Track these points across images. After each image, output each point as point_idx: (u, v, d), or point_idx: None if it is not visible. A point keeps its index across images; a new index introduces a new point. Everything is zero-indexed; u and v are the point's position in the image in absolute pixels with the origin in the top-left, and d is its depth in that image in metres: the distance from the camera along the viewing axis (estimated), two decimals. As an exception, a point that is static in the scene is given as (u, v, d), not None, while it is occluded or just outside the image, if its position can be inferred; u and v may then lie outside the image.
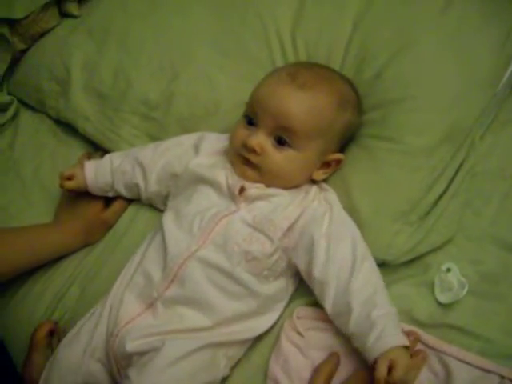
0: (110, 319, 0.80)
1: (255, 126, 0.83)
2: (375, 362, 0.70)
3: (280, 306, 0.84)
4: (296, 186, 0.86)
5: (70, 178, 0.94)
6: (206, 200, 0.84)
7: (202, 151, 0.90)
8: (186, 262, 0.79)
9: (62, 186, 0.94)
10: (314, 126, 0.81)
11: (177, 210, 0.86)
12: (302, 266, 0.81)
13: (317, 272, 0.78)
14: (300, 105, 0.80)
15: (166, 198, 0.93)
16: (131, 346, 0.75)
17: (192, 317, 0.78)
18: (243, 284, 0.79)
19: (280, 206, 0.82)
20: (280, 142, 0.81)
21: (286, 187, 0.84)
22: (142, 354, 0.75)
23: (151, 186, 0.93)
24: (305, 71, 0.84)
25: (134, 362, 0.75)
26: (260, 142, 0.81)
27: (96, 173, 0.94)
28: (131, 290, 0.81)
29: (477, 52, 0.86)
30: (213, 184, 0.85)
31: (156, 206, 0.97)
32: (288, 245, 0.81)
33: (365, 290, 0.75)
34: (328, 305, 0.77)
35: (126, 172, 0.94)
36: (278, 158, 0.81)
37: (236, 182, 0.83)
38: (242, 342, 0.81)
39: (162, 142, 0.95)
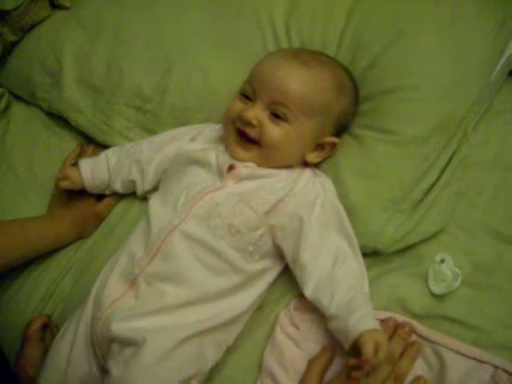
0: (95, 304, 0.80)
1: (252, 100, 0.83)
2: (355, 342, 0.71)
3: (263, 284, 0.83)
4: (288, 167, 0.86)
5: (64, 179, 0.94)
6: (194, 178, 0.84)
7: (197, 140, 0.91)
8: (168, 236, 0.78)
9: (55, 187, 0.95)
10: (311, 103, 0.81)
11: (163, 190, 0.86)
12: (287, 249, 0.81)
13: (305, 255, 0.78)
14: (300, 81, 0.81)
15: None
16: (116, 326, 0.74)
17: (173, 293, 0.77)
18: (226, 259, 0.79)
19: (269, 185, 0.82)
20: (276, 116, 0.81)
21: (278, 165, 0.85)
22: (123, 342, 0.74)
23: (149, 182, 0.93)
24: (308, 53, 0.86)
25: (115, 353, 0.74)
26: (256, 114, 0.81)
27: (93, 172, 0.94)
28: (115, 272, 0.81)
29: (470, 41, 0.86)
30: (203, 164, 0.85)
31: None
32: (275, 223, 0.81)
33: (346, 278, 0.77)
34: (309, 288, 0.78)
35: (123, 170, 0.94)
36: (276, 130, 0.82)
37: (226, 160, 0.83)
38: (226, 325, 0.79)
39: (157, 136, 0.95)
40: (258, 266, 0.82)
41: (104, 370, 0.78)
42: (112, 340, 0.75)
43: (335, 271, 0.77)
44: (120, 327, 0.74)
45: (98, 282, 0.82)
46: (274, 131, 0.81)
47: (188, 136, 0.93)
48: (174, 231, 0.79)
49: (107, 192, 0.97)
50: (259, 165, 0.84)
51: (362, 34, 0.90)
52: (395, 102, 0.85)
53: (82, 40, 1.03)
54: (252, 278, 0.82)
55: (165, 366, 0.72)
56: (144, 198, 0.97)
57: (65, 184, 0.94)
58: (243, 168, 0.83)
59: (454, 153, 0.86)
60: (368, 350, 0.69)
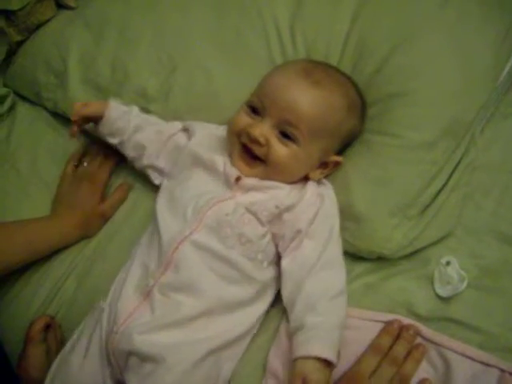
0: (110, 317, 0.78)
1: (260, 115, 0.81)
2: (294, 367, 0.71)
3: (271, 293, 0.83)
4: (292, 182, 0.85)
5: (84, 105, 0.90)
6: (201, 186, 0.83)
7: (198, 132, 0.89)
8: (179, 246, 0.78)
9: (73, 115, 0.89)
10: (322, 126, 0.80)
11: (171, 195, 0.85)
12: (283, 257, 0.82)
13: (284, 262, 0.79)
14: (312, 102, 0.79)
15: (161, 173, 0.93)
16: (137, 340, 0.73)
17: (189, 303, 0.76)
18: (238, 268, 0.78)
19: (275, 196, 0.81)
20: (285, 136, 0.80)
21: (282, 182, 0.84)
22: (142, 357, 0.73)
23: (159, 156, 0.92)
24: (320, 70, 0.83)
25: (133, 367, 0.74)
26: (264, 132, 0.79)
27: (118, 115, 0.91)
28: (129, 284, 0.80)
29: (477, 45, 0.85)
30: (210, 168, 0.84)
31: (149, 177, 0.95)
32: (277, 232, 0.81)
33: (312, 293, 0.76)
34: (284, 295, 0.79)
35: (142, 131, 0.91)
36: (283, 151, 0.80)
37: (233, 172, 0.82)
38: (240, 339, 0.80)
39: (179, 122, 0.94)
40: (268, 273, 0.82)
41: (119, 383, 0.78)
42: (131, 353, 0.74)
43: (305, 283, 0.76)
44: (141, 340, 0.73)
45: (112, 293, 0.81)
46: (281, 152, 0.80)
47: (195, 128, 0.91)
48: (184, 241, 0.78)
49: (115, 141, 0.93)
50: (262, 179, 0.83)
51: (367, 37, 0.89)
52: (402, 107, 0.84)
53: (88, 40, 1.03)
54: (265, 287, 0.82)
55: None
56: (149, 197, 0.96)
57: (86, 111, 0.89)
58: (249, 180, 0.82)
59: (461, 157, 0.85)
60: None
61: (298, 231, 0.80)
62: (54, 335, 0.89)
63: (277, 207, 0.80)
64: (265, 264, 0.81)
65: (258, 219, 0.79)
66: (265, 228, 0.80)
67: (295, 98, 0.78)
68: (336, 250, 0.81)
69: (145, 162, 0.93)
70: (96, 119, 0.91)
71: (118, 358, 0.76)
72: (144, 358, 0.73)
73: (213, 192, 0.82)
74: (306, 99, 0.79)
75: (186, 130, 0.93)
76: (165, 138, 0.92)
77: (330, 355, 0.70)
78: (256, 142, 0.79)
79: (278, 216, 0.80)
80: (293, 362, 0.72)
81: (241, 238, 0.78)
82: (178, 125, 0.94)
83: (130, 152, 0.94)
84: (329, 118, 0.80)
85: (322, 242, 0.79)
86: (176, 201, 0.83)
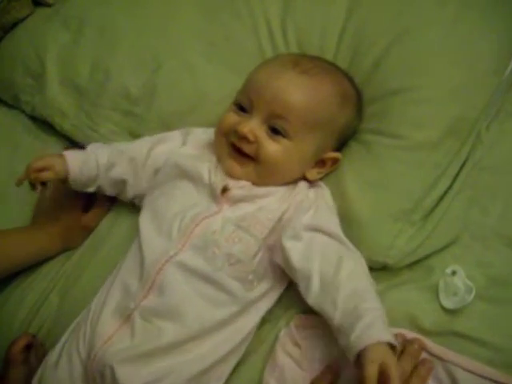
0: (89, 340, 0.74)
1: (248, 113, 0.79)
2: (359, 358, 0.64)
3: (262, 309, 0.79)
4: (286, 184, 0.81)
5: (43, 170, 0.84)
6: (186, 199, 0.80)
7: (188, 143, 0.87)
8: (163, 268, 0.74)
9: (33, 179, 0.83)
10: (313, 116, 0.77)
11: (154, 210, 0.81)
12: (281, 261, 0.76)
13: (295, 262, 0.73)
14: (300, 91, 0.77)
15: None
16: (118, 370, 0.68)
17: (171, 330, 0.72)
18: (227, 290, 0.74)
19: (267, 207, 0.78)
20: (274, 131, 0.77)
21: (276, 183, 0.80)
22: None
23: (142, 183, 0.88)
24: (308, 61, 0.82)
25: None
26: (252, 128, 0.77)
27: (81, 166, 0.85)
28: (108, 305, 0.75)
29: (480, 39, 0.83)
30: (194, 178, 0.80)
31: (139, 205, 0.90)
32: (273, 243, 0.77)
33: (351, 282, 0.71)
34: (311, 295, 0.72)
35: (115, 167, 0.87)
36: (274, 147, 0.77)
37: (219, 181, 0.78)
38: (226, 356, 0.75)
39: (148, 138, 0.90)
40: (257, 291, 0.77)
41: None
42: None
43: (339, 274, 0.71)
44: (122, 373, 0.68)
45: (92, 313, 0.77)
46: (272, 148, 0.77)
47: (179, 139, 0.88)
48: (169, 262, 0.74)
49: (91, 189, 0.88)
50: (254, 183, 0.79)
51: (364, 30, 0.87)
52: (402, 105, 0.81)
53: (66, 39, 1.00)
54: (252, 303, 0.77)
55: None
56: (132, 208, 0.92)
57: (47, 175, 0.82)
58: (238, 190, 0.78)
59: (467, 157, 0.82)
60: (369, 372, 0.61)
61: (292, 229, 0.75)
62: (36, 354, 0.85)
63: (269, 219, 0.76)
64: (255, 283, 0.77)
65: (252, 235, 0.76)
66: (259, 244, 0.76)
67: (282, 88, 0.77)
68: (346, 239, 0.77)
69: (130, 194, 0.89)
70: (60, 180, 0.85)
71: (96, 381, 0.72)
72: None
73: (198, 206, 0.78)
74: (294, 88, 0.77)
75: (159, 142, 0.89)
76: (140, 162, 0.87)
77: (393, 339, 0.65)
78: (245, 139, 0.77)
79: (273, 228, 0.77)
80: (358, 356, 0.64)
81: (230, 258, 0.75)
82: (149, 141, 0.89)
83: (111, 191, 0.90)
84: (320, 108, 0.78)
85: (335, 236, 0.75)
86: (160, 217, 0.79)
